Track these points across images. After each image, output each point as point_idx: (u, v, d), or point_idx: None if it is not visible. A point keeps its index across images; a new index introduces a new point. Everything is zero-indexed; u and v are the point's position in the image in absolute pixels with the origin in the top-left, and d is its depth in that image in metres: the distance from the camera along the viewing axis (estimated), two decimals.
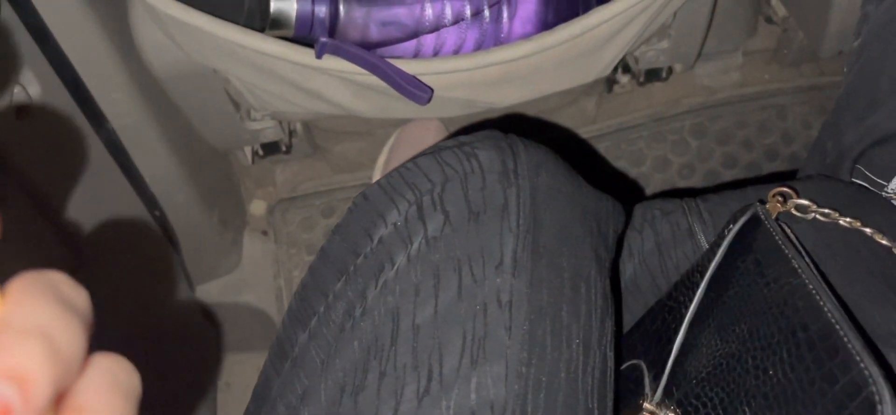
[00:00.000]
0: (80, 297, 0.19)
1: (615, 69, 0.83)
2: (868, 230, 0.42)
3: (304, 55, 0.53)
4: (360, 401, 0.36)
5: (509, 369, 0.36)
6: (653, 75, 0.80)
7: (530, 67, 0.57)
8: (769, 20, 0.84)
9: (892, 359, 0.37)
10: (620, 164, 0.86)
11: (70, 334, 0.18)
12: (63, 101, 0.58)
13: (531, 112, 0.84)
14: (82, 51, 0.57)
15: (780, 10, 0.81)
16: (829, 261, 0.41)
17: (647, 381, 0.41)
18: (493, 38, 0.59)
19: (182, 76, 0.62)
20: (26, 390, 0.17)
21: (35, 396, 0.17)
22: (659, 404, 0.40)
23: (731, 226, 0.41)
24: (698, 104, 0.86)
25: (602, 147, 0.86)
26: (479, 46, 0.58)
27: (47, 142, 0.59)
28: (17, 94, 0.53)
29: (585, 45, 0.57)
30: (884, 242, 0.42)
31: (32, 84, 0.53)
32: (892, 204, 0.47)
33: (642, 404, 0.40)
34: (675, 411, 0.39)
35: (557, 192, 0.41)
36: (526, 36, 0.58)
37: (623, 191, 0.84)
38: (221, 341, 0.91)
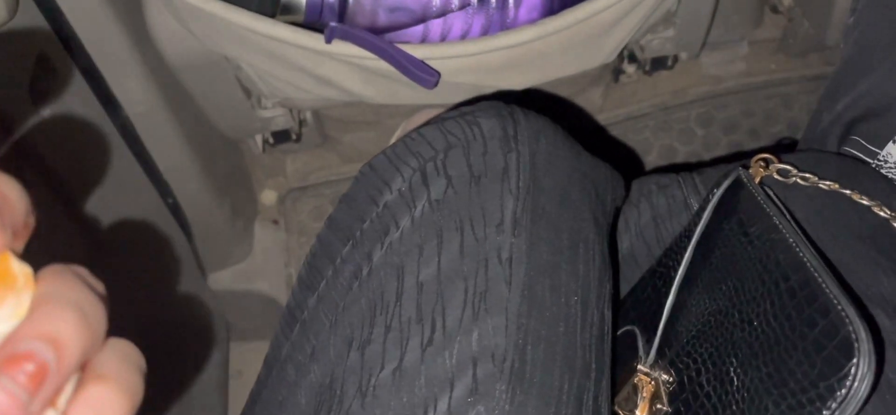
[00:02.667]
0: (100, 285, 0.22)
1: (621, 59, 0.84)
2: (847, 191, 0.44)
3: (314, 40, 0.55)
4: (367, 354, 0.37)
5: (509, 320, 0.37)
6: (659, 64, 0.81)
7: (535, 53, 0.58)
8: (775, 10, 0.84)
9: (880, 319, 0.38)
10: (627, 154, 0.87)
11: (97, 311, 0.21)
12: (79, 88, 0.59)
13: (537, 103, 0.84)
14: (98, 38, 0.59)
15: (786, 0, 0.81)
16: (820, 228, 0.43)
17: (640, 344, 0.43)
18: (500, 25, 0.60)
19: (194, 64, 0.63)
20: (61, 353, 0.19)
21: (67, 359, 0.19)
22: (652, 366, 0.41)
23: (715, 190, 0.43)
24: (704, 94, 0.87)
25: (609, 137, 0.87)
26: (485, 32, 0.59)
27: (64, 129, 0.60)
28: (34, 81, 0.54)
29: (590, 31, 0.58)
30: (864, 201, 0.43)
31: (49, 71, 0.55)
32: (881, 172, 0.48)
33: (636, 367, 0.41)
34: (667, 371, 0.40)
35: (556, 157, 0.42)
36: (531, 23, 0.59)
37: (629, 179, 0.85)
38: (233, 329, 0.92)
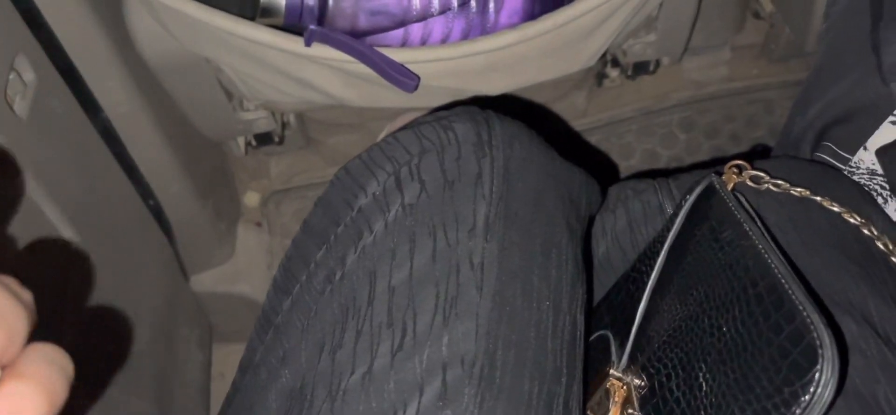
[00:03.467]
0: (25, 293, 0.23)
1: (605, 63, 0.84)
2: (818, 198, 0.44)
3: (294, 43, 0.55)
4: (338, 358, 0.38)
5: (480, 326, 0.37)
6: (641, 68, 0.81)
7: (516, 57, 0.58)
8: (757, 15, 0.85)
9: (848, 325, 0.39)
10: (610, 157, 0.87)
11: (14, 314, 0.22)
12: (58, 89, 0.59)
13: (521, 107, 0.85)
14: (77, 39, 0.58)
15: (768, 6, 0.82)
16: (791, 234, 0.43)
17: (613, 349, 0.43)
18: (480, 29, 0.60)
19: (175, 65, 0.63)
20: None
21: None
22: (625, 371, 0.41)
23: (688, 196, 0.43)
24: (687, 98, 0.87)
25: (592, 141, 0.87)
26: (465, 36, 0.59)
27: (43, 131, 0.60)
28: (11, 81, 0.54)
29: (570, 35, 0.58)
30: (834, 208, 0.44)
31: (27, 71, 0.55)
32: (852, 179, 0.49)
33: (609, 372, 0.42)
34: (639, 376, 0.41)
35: (530, 162, 0.42)
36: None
37: (611, 183, 0.85)
38: (215, 331, 0.92)
